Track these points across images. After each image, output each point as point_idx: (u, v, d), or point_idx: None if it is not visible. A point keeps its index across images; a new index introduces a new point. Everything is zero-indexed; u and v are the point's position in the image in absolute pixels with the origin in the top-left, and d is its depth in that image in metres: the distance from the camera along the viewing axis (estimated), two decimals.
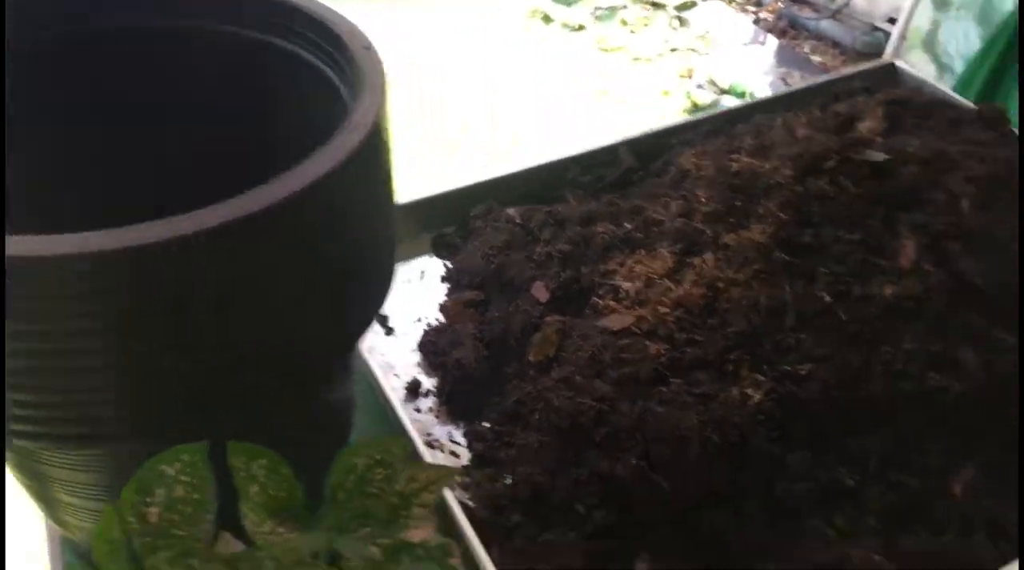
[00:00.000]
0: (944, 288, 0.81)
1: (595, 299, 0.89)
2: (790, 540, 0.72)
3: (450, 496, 0.72)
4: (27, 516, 0.75)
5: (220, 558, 0.47)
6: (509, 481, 0.78)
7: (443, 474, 0.50)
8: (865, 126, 1.04)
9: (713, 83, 2.66)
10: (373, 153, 0.54)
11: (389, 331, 0.95)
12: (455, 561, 0.51)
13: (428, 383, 0.90)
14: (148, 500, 0.47)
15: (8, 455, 0.61)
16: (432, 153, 2.36)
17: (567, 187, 1.10)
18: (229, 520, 0.50)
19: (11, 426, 0.50)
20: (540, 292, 0.93)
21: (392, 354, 0.92)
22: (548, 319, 0.89)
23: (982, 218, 0.86)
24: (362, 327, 0.62)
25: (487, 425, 0.85)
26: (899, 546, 0.72)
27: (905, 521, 0.74)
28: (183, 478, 0.48)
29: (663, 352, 0.80)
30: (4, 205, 0.60)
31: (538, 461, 0.78)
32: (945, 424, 0.77)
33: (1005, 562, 0.72)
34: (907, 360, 0.78)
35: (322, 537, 0.45)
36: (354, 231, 0.56)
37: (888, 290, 0.80)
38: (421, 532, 0.52)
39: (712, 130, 1.14)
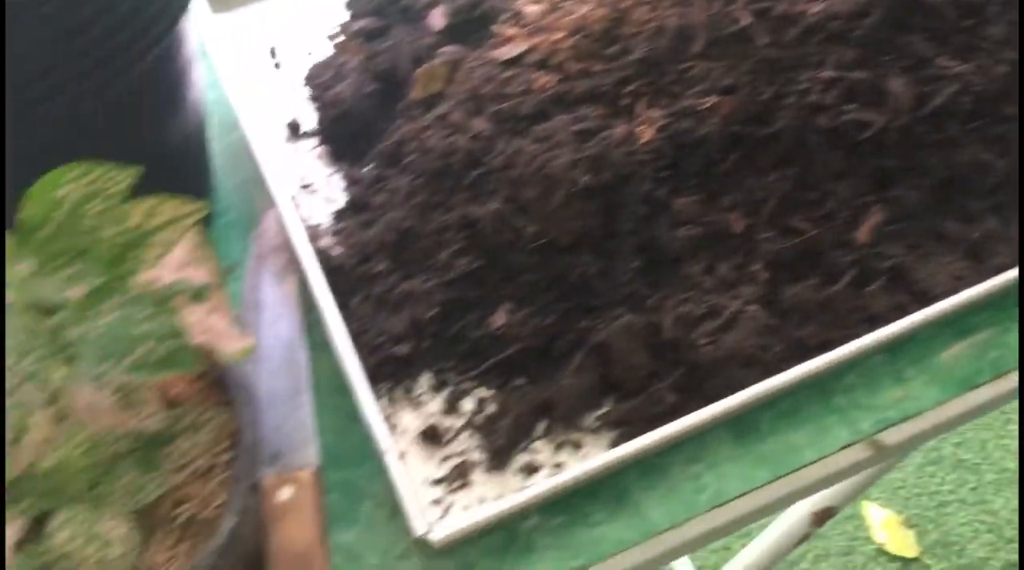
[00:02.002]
0: (884, 4, 0.69)
1: (496, 27, 0.78)
2: (662, 289, 0.67)
3: (302, 242, 0.67)
4: None
5: None
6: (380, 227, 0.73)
7: (189, 210, 0.45)
8: None
9: None
10: None
11: (277, 65, 0.87)
12: (214, 306, 0.47)
13: (314, 122, 0.82)
14: None
15: None
16: None
17: None
18: None
19: None
20: (436, 19, 0.82)
21: (278, 91, 0.85)
22: (442, 50, 0.80)
23: None
24: None
25: (368, 168, 0.78)
26: (783, 296, 0.66)
27: (796, 270, 0.67)
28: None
29: (551, 84, 0.71)
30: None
31: (407, 205, 0.72)
32: (859, 164, 0.68)
33: (904, 313, 0.65)
34: (824, 90, 0.67)
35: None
36: None
37: (816, 7, 0.68)
38: (186, 273, 0.47)
39: None
